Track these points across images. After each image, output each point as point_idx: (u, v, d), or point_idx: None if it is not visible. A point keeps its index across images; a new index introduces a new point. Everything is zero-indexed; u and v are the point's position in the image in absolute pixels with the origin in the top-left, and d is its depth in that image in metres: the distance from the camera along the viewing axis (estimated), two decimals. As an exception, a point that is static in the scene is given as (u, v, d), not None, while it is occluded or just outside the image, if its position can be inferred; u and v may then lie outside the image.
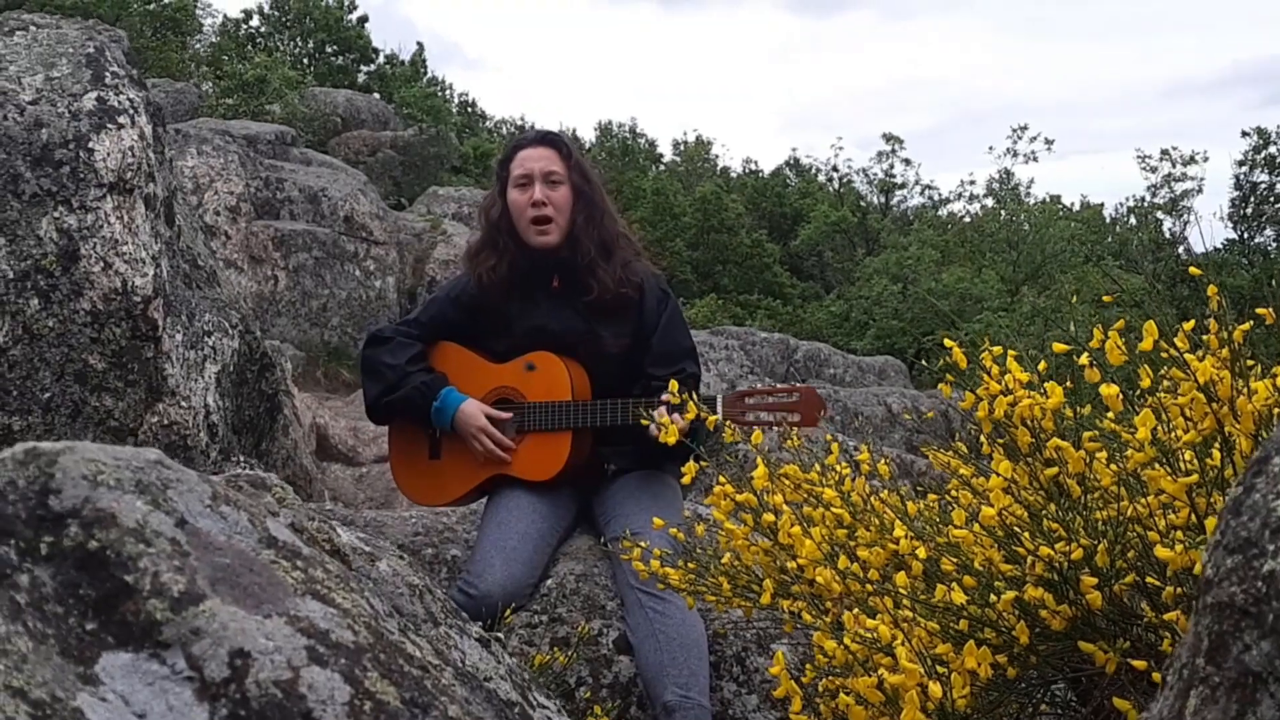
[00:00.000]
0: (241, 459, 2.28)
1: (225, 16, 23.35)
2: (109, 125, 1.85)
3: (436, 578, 2.81)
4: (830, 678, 1.61)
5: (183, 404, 1.92)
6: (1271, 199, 20.41)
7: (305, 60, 22.82)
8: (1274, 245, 19.98)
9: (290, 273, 7.56)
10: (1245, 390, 1.36)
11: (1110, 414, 1.80)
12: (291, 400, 3.84)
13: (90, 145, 1.80)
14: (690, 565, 1.89)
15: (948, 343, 1.77)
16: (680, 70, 72.40)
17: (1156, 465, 1.35)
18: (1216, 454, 1.41)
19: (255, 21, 23.65)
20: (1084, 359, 1.40)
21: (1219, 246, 19.77)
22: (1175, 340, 1.48)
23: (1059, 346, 1.44)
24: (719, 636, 2.51)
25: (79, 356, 1.76)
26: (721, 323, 14.84)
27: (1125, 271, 18.02)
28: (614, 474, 2.65)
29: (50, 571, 0.68)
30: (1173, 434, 1.36)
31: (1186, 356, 1.37)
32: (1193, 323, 1.58)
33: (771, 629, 2.56)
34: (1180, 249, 19.75)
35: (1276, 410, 1.38)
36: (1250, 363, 1.58)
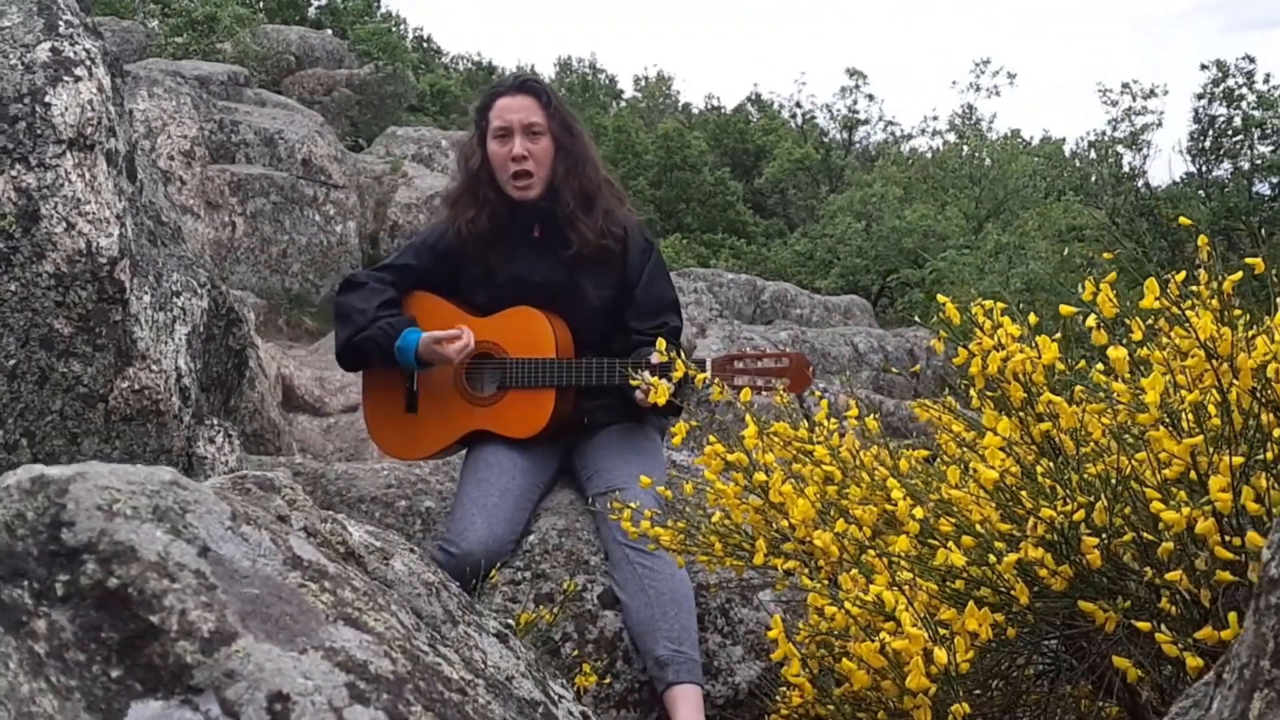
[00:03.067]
0: (215, 422, 2.21)
1: (171, -52, 22.42)
2: (65, 78, 1.74)
3: (411, 529, 2.78)
4: (826, 638, 1.61)
5: (154, 368, 1.85)
6: (1230, 132, 20.54)
7: (254, -6, 22.06)
8: (1231, 178, 20.17)
9: (248, 218, 7.38)
10: (1245, 345, 1.35)
11: (1099, 366, 1.80)
12: (256, 352, 3.76)
13: (47, 99, 1.70)
14: (680, 525, 1.88)
15: (940, 299, 1.74)
16: (641, 4, 71.11)
17: (1159, 425, 1.34)
18: (1213, 409, 1.40)
19: (201, -47, 22.79)
20: (1090, 321, 1.38)
21: (1178, 180, 19.96)
22: (1168, 292, 1.47)
23: (1066, 309, 1.42)
24: (703, 589, 2.51)
25: (44, 321, 1.68)
26: (686, 263, 14.79)
27: (1086, 206, 18.16)
28: (594, 426, 2.62)
29: (68, 614, 0.63)
30: (1176, 395, 1.34)
31: (1188, 314, 1.36)
32: (1184, 275, 1.56)
33: (755, 580, 2.57)
34: (1140, 183, 19.90)
35: (1274, 365, 1.37)
36: (1238, 313, 1.58)
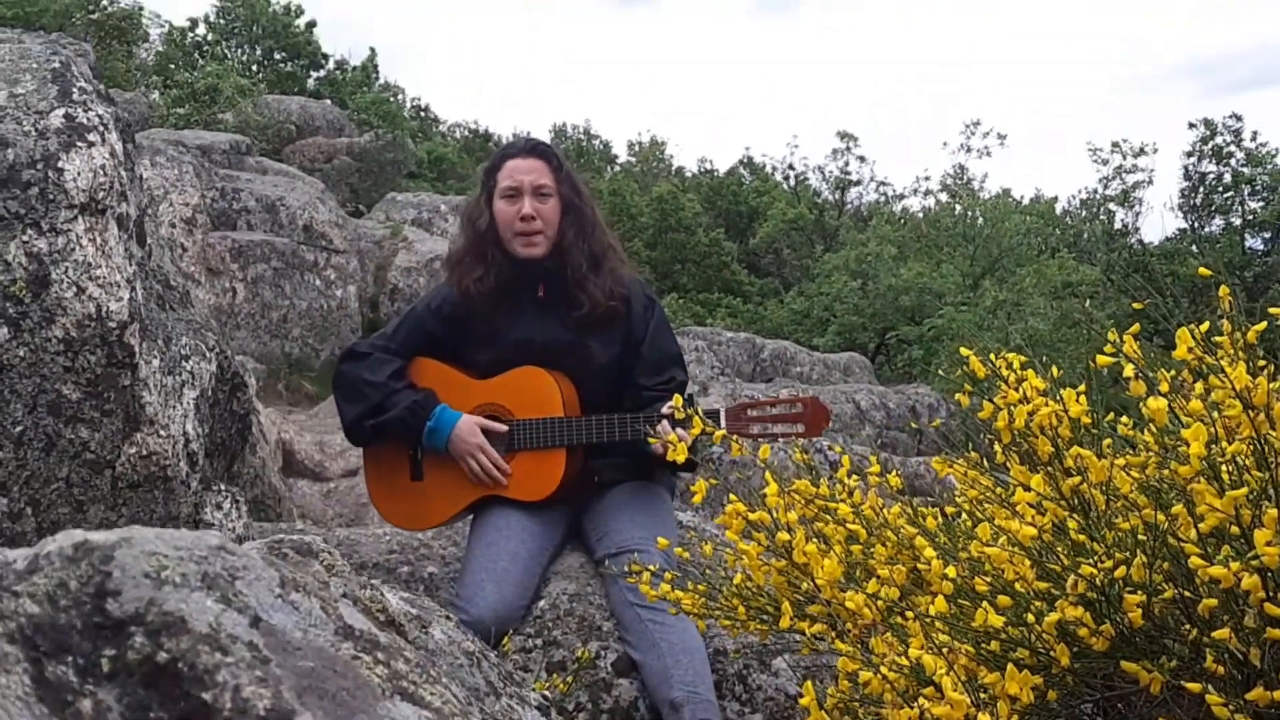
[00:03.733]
0: (222, 488, 2.17)
1: (171, 25, 22.82)
2: (78, 143, 1.74)
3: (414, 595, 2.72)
4: (855, 704, 1.56)
5: (161, 433, 1.81)
6: (1220, 188, 20.79)
7: (254, 68, 22.44)
8: (1223, 234, 20.37)
9: (249, 284, 7.39)
10: (1278, 394, 1.33)
11: (1125, 420, 1.77)
12: (258, 417, 3.72)
13: (59, 165, 1.69)
14: (700, 588, 1.83)
15: (964, 351, 1.72)
16: (635, 71, 72.44)
17: (1200, 478, 1.31)
18: (1250, 462, 1.37)
19: (202, 30, 23.20)
20: (1129, 370, 1.35)
21: (1170, 236, 20.16)
22: (1187, 344, 1.44)
23: (1102, 359, 1.39)
24: (720, 655, 2.45)
25: (52, 387, 1.65)
26: (683, 322, 14.83)
27: (1080, 263, 18.30)
28: (604, 485, 2.58)
29: (115, 693, 0.58)
30: (1216, 446, 1.31)
31: (1223, 363, 1.33)
32: (1208, 325, 1.54)
33: (773, 645, 2.51)
34: (1133, 239, 20.09)
35: (1314, 416, 1.34)
36: (1263, 362, 1.55)
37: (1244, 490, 1.26)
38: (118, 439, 1.75)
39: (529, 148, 2.65)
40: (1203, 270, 1.94)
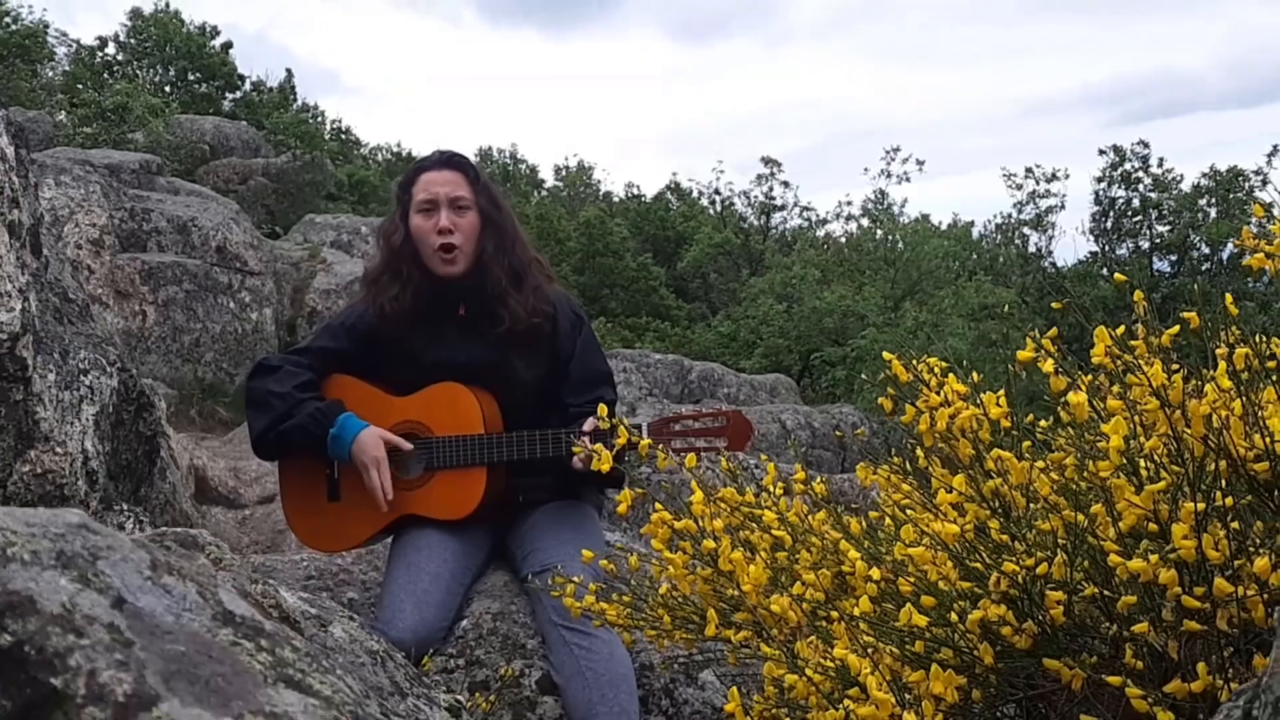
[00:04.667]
0: (124, 508, 2.07)
1: (79, 44, 22.16)
2: (-36, 143, 1.64)
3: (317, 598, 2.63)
4: (781, 709, 1.53)
5: (58, 450, 1.72)
6: (1129, 213, 21.58)
7: (167, 88, 21.88)
8: (1131, 257, 21.13)
9: (160, 307, 7.14)
10: (1196, 393, 1.35)
11: (1044, 422, 1.79)
12: (168, 442, 3.57)
13: (-58, 165, 1.60)
14: (625, 599, 1.79)
15: (887, 356, 1.72)
16: (560, 96, 72.67)
17: (1119, 474, 1.32)
18: (1163, 457, 1.39)
19: (112, 49, 22.58)
20: (1048, 365, 1.36)
21: (1082, 259, 20.85)
22: (1111, 349, 1.47)
23: (1023, 354, 1.40)
24: (646, 669, 2.42)
25: (-65, 402, 1.55)
26: (612, 346, 14.82)
27: (997, 286, 18.82)
28: (528, 505, 2.52)
29: None
30: (1135, 442, 1.33)
31: (1140, 362, 1.35)
32: (1123, 328, 1.57)
33: (699, 658, 2.48)
34: (1046, 263, 20.73)
35: (1223, 412, 1.37)
36: (1175, 366, 1.59)
37: (1162, 484, 1.27)
38: (9, 456, 1.65)
39: (444, 160, 2.58)
40: (1119, 277, 1.99)
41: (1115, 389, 1.41)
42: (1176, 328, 1.58)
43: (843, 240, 25.02)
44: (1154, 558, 1.23)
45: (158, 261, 7.24)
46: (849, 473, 8.07)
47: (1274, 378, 1.48)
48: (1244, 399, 1.39)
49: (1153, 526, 1.32)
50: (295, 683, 0.58)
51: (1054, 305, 1.70)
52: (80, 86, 17.35)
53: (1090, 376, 1.54)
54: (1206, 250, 20.91)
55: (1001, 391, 1.68)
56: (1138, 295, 1.64)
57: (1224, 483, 1.37)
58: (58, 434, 1.72)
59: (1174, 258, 21.18)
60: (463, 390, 2.47)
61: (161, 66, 22.53)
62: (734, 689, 1.44)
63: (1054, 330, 1.64)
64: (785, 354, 17.64)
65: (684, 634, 1.74)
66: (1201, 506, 1.26)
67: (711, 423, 2.32)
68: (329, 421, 2.42)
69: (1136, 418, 1.33)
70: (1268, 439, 1.31)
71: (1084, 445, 1.46)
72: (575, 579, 1.86)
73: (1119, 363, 1.40)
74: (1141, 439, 1.31)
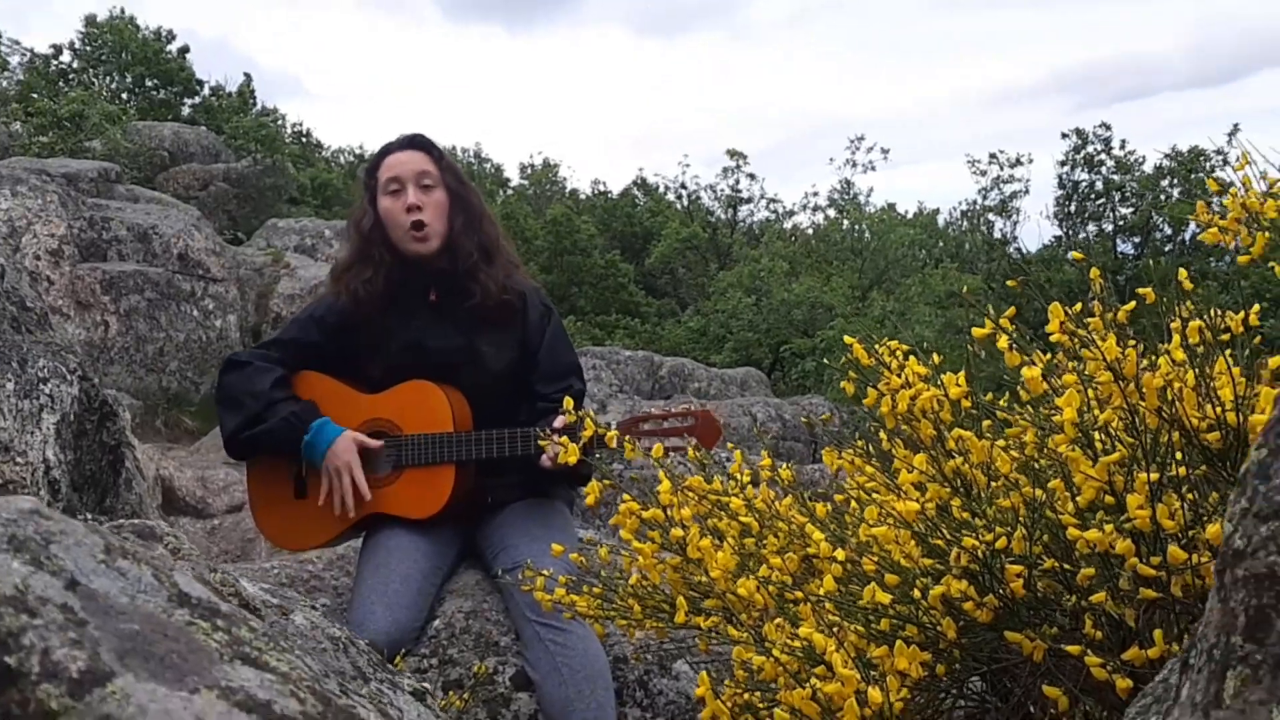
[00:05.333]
0: (89, 518, 2.04)
1: (33, 52, 21.79)
2: (-92, 149, 1.62)
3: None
4: (752, 692, 1.55)
5: (19, 460, 1.70)
6: (1092, 196, 21.80)
7: (125, 95, 21.56)
8: (1096, 240, 21.36)
9: (122, 317, 7.05)
10: (1150, 366, 1.38)
11: (1004, 400, 1.82)
12: (133, 452, 3.53)
13: (-114, 172, 1.57)
14: (596, 590, 1.80)
15: (848, 340, 1.74)
16: (525, 93, 72.43)
17: (1074, 447, 1.34)
18: (1122, 432, 1.42)
19: (66, 57, 22.23)
20: (1003, 341, 1.38)
21: (1047, 244, 21.06)
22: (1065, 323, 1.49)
23: (979, 331, 1.42)
24: (620, 661, 2.42)
25: (-114, 413, 1.52)
26: (582, 344, 14.80)
27: (963, 273, 18.98)
28: (498, 504, 2.51)
29: None
30: (1089, 415, 1.35)
31: (1094, 336, 1.37)
32: (1080, 305, 1.59)
33: (673, 649, 2.49)
34: (1012, 248, 20.91)
35: (1176, 384, 1.40)
36: (1132, 341, 1.61)
37: (1115, 456, 1.29)
38: (-36, 467, 1.63)
39: (408, 141, 2.59)
40: (1076, 255, 2.02)
41: (1071, 364, 1.43)
42: (1133, 303, 1.61)
43: (810, 231, 25.13)
44: (1108, 527, 1.26)
45: (119, 271, 7.15)
46: (820, 463, 8.11)
47: (1227, 350, 1.51)
48: (1196, 370, 1.42)
49: (1109, 499, 1.35)
50: (252, 660, 0.58)
51: (1009, 283, 1.72)
52: (35, 95, 17.06)
53: (1049, 355, 1.56)
54: (1170, 231, 21.17)
55: (962, 373, 1.70)
56: (1094, 273, 1.66)
57: (1179, 454, 1.40)
58: (18, 444, 1.70)
59: (1137, 239, 21.43)
60: (433, 388, 2.46)
61: (118, 73, 22.20)
62: (704, 673, 1.45)
63: (1012, 309, 1.66)
64: (755, 347, 17.70)
65: (654, 623, 1.75)
66: (1155, 477, 1.28)
67: (680, 422, 2.34)
68: (304, 426, 2.41)
69: (1090, 391, 1.35)
70: (1218, 409, 1.34)
71: (1041, 422, 1.48)
72: (546, 572, 1.86)
73: (1074, 339, 1.43)
74: (1096, 412, 1.33)
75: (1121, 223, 21.56)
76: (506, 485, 2.49)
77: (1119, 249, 21.08)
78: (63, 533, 0.60)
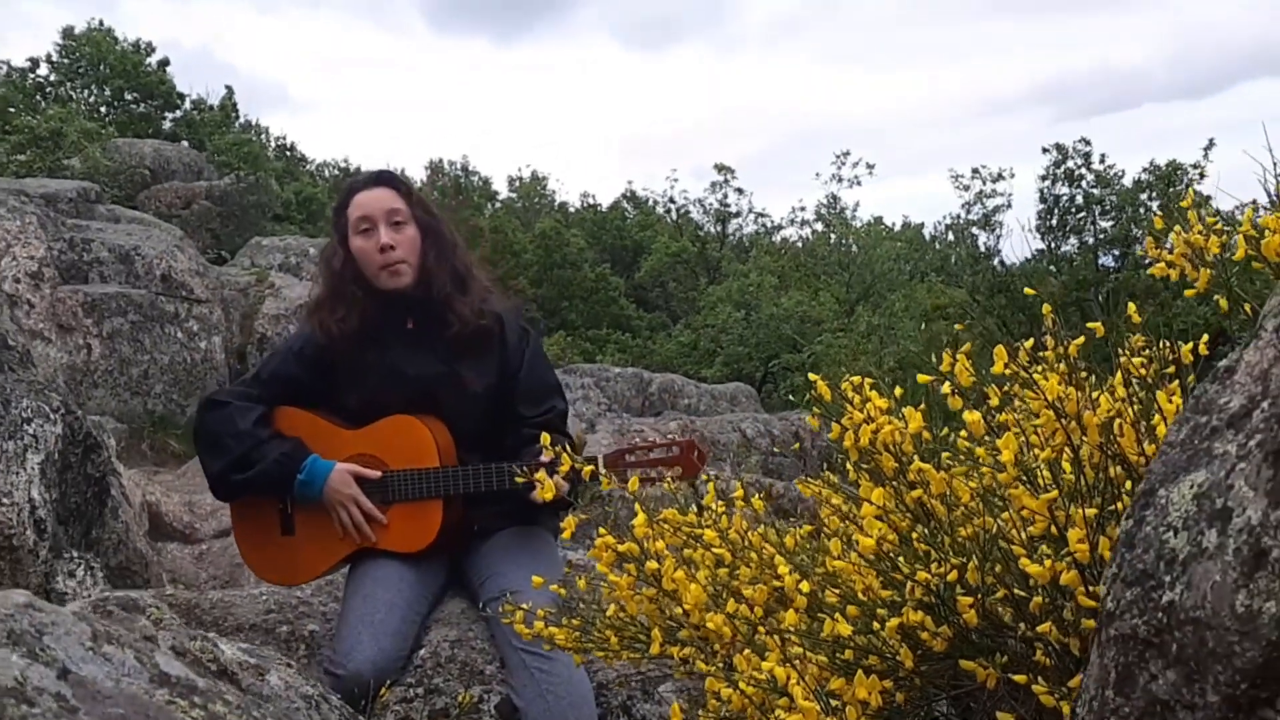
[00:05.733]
0: (75, 554, 2.09)
1: (10, 66, 21.72)
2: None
3: (294, 656, 2.64)
4: (723, 721, 1.60)
5: (4, 501, 1.75)
6: (1074, 210, 21.98)
7: (103, 109, 21.46)
8: (1078, 253, 21.53)
9: (105, 340, 7.06)
10: (1089, 404, 1.45)
11: (964, 432, 1.89)
12: (119, 479, 3.57)
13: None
14: (574, 622, 1.86)
15: (812, 376, 1.80)
16: (512, 105, 72.49)
17: (1018, 483, 1.41)
18: (1068, 466, 1.49)
19: (44, 70, 22.14)
20: (945, 388, 1.45)
21: (1030, 257, 21.19)
22: (1019, 359, 1.56)
23: (922, 378, 1.49)
24: (603, 687, 2.47)
25: (-122, 461, 1.58)
26: (573, 360, 14.84)
27: (947, 286, 19.10)
28: (485, 532, 2.56)
29: None
30: (1030, 453, 1.42)
31: (1035, 377, 1.44)
32: (1032, 342, 1.66)
33: (655, 674, 2.54)
34: (995, 261, 21.04)
35: (1117, 421, 1.47)
36: (1083, 374, 1.68)
37: (1054, 493, 1.36)
38: (-45, 511, 1.68)
39: (374, 178, 2.62)
40: (1028, 290, 2.09)
41: (1016, 402, 1.50)
42: (1082, 339, 1.68)
43: (798, 245, 25.26)
44: (1048, 561, 1.33)
45: (101, 293, 7.17)
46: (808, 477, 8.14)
47: (1174, 382, 1.59)
48: (1137, 407, 1.49)
49: (1054, 530, 1.42)
50: None
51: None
52: (12, 110, 17.01)
53: (1006, 386, 1.63)
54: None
55: (923, 407, 1.77)
56: (1046, 309, 1.73)
57: (1128, 484, 1.47)
58: (3, 485, 1.75)
59: (1117, 252, 21.61)
60: (415, 422, 2.50)
61: (96, 86, 22.10)
62: (675, 704, 1.50)
63: (968, 345, 1.73)
64: (746, 362, 17.78)
65: (631, 654, 1.81)
66: (1092, 512, 1.35)
67: (665, 453, 2.40)
68: (296, 465, 2.45)
69: (1030, 429, 1.42)
70: (1155, 447, 1.41)
71: (987, 453, 1.55)
72: (525, 605, 1.91)
73: (1018, 378, 1.50)
74: (1037, 450, 1.40)
75: (1102, 236, 21.74)
76: (492, 514, 2.52)
77: (1100, 262, 21.24)
78: (54, 624, 0.66)
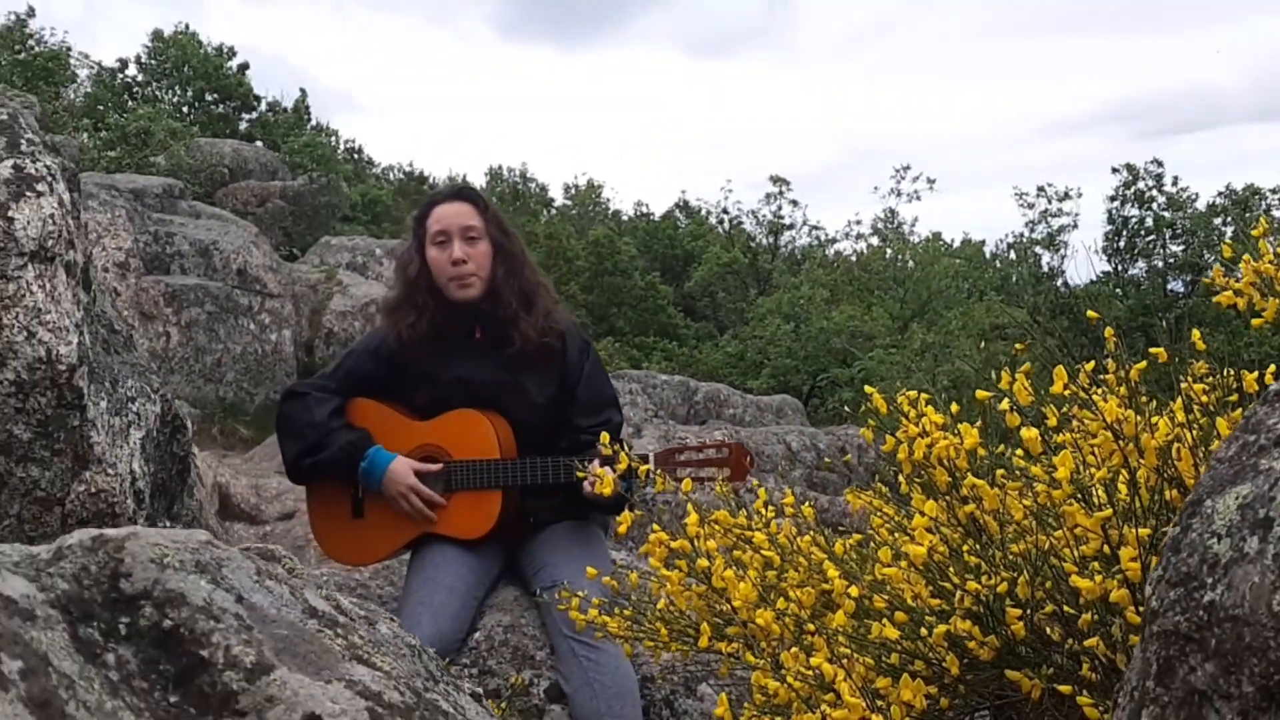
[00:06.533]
0: (167, 523, 2.22)
1: (100, 66, 22.52)
2: (28, 193, 1.81)
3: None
4: (770, 716, 1.66)
5: (109, 471, 1.88)
6: (1142, 232, 21.60)
7: (186, 109, 22.20)
8: (1146, 277, 21.15)
9: (183, 328, 7.34)
10: (1148, 427, 1.49)
11: (1019, 450, 1.93)
12: (194, 461, 3.74)
13: (10, 214, 1.77)
14: (626, 613, 1.93)
15: (868, 389, 1.86)
16: (572, 113, 73.15)
17: (1072, 500, 1.46)
18: (1124, 488, 1.53)
19: (132, 70, 22.95)
20: (1004, 404, 1.51)
21: (1095, 279, 20.84)
22: (1080, 380, 1.60)
23: (981, 394, 1.54)
24: (648, 681, 2.54)
25: (4, 427, 1.71)
26: (620, 366, 14.94)
27: (1007, 306, 18.86)
28: (539, 525, 2.66)
29: (132, 650, 0.72)
30: (1086, 471, 1.47)
31: (1095, 398, 1.49)
32: (1093, 364, 1.70)
33: (698, 672, 2.61)
34: (1058, 282, 20.72)
35: (1176, 445, 1.51)
36: (1144, 399, 1.72)
37: (1108, 511, 1.41)
38: (67, 477, 1.82)
39: (455, 193, 2.76)
40: (1091, 314, 2.12)
41: (1075, 423, 1.55)
42: (1144, 363, 1.72)
43: (852, 259, 25.12)
44: (1098, 577, 1.37)
45: (181, 284, 7.45)
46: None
47: (1236, 410, 1.61)
48: (1196, 432, 1.53)
49: (1106, 549, 1.46)
50: (364, 660, 0.75)
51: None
52: (102, 108, 17.66)
53: (1065, 408, 1.67)
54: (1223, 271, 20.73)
55: (979, 423, 1.82)
56: (1109, 332, 1.77)
57: (1177, 510, 1.50)
58: (109, 457, 1.88)
59: (1188, 278, 21.17)
60: (479, 416, 2.62)
61: (179, 87, 22.88)
62: (723, 694, 1.57)
63: (1027, 366, 1.78)
64: (793, 374, 17.73)
65: (679, 646, 1.88)
66: (1145, 532, 1.39)
67: (714, 454, 2.47)
68: (360, 454, 2.58)
69: (1087, 449, 1.47)
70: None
71: (1044, 471, 1.60)
72: (581, 593, 2.00)
73: (1077, 399, 1.54)
74: (1093, 470, 1.45)
75: (1172, 260, 21.33)
76: (548, 508, 2.63)
77: (1169, 287, 20.82)
78: (228, 559, 0.78)
